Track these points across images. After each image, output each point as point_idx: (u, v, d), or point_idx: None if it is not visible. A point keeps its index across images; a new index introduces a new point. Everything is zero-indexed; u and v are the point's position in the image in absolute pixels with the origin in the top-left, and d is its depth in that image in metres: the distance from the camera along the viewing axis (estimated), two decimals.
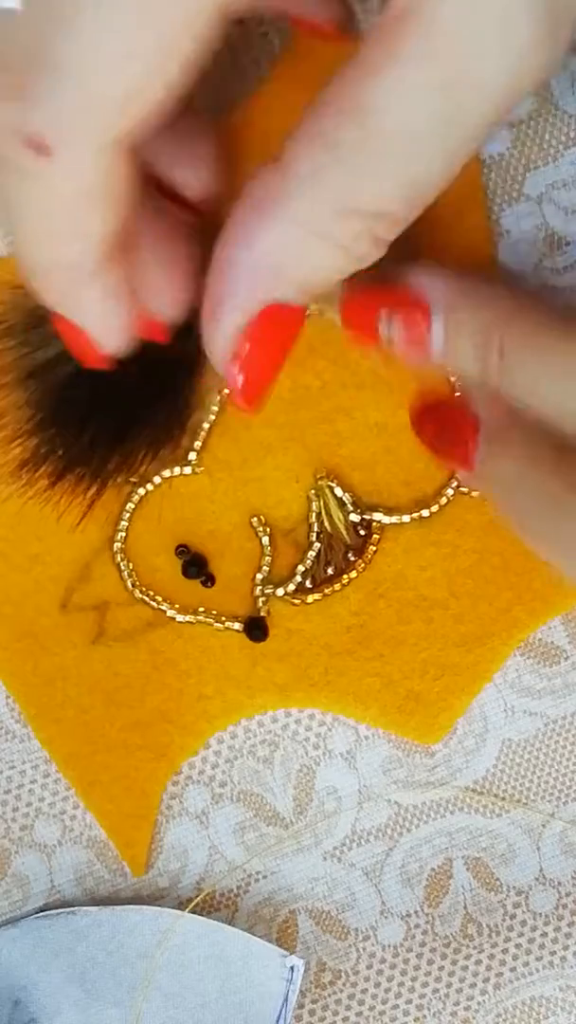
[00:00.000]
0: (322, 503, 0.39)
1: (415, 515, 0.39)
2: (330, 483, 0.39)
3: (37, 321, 0.38)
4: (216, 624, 0.39)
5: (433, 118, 0.28)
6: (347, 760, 0.40)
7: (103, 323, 0.32)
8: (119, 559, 0.40)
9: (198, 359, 0.37)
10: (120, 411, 0.38)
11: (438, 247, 0.39)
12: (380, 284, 0.35)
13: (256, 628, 0.39)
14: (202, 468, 0.39)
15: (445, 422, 0.36)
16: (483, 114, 0.28)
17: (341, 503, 0.39)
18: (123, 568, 0.40)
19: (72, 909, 0.39)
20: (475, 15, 0.26)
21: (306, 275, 0.30)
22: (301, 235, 0.29)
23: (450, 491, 0.39)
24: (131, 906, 0.39)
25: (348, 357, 0.39)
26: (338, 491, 0.39)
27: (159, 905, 0.39)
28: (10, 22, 0.26)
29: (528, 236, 0.40)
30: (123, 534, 0.40)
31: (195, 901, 0.40)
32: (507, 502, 0.35)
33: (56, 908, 0.39)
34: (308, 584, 0.39)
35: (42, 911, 0.40)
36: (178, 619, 0.40)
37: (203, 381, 0.38)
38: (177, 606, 0.39)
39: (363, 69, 0.28)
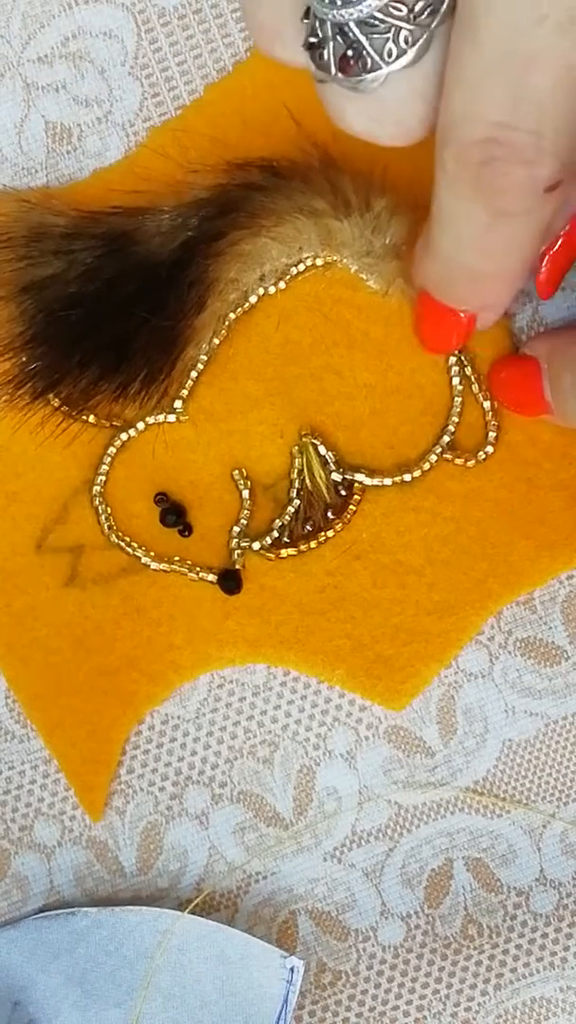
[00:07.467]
0: (305, 460, 0.39)
1: (397, 479, 0.39)
2: (314, 440, 0.39)
3: (38, 236, 0.38)
4: (190, 574, 0.39)
5: None
6: (347, 760, 0.40)
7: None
8: (97, 503, 0.40)
9: (197, 298, 0.38)
10: (114, 340, 0.38)
11: None
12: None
13: (230, 580, 0.39)
14: (187, 417, 0.40)
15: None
16: None
17: (324, 461, 0.39)
18: (101, 512, 0.40)
19: (72, 910, 0.39)
20: None
21: None
22: None
23: (433, 457, 0.39)
24: (131, 907, 0.39)
25: (342, 315, 0.40)
26: (322, 449, 0.39)
27: (159, 906, 0.39)
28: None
29: None
30: (103, 478, 0.40)
31: (195, 902, 0.40)
32: None
33: (56, 909, 0.40)
34: (285, 540, 0.39)
35: (42, 912, 0.40)
36: (152, 567, 0.40)
37: (201, 320, 0.38)
38: (152, 554, 0.40)
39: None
